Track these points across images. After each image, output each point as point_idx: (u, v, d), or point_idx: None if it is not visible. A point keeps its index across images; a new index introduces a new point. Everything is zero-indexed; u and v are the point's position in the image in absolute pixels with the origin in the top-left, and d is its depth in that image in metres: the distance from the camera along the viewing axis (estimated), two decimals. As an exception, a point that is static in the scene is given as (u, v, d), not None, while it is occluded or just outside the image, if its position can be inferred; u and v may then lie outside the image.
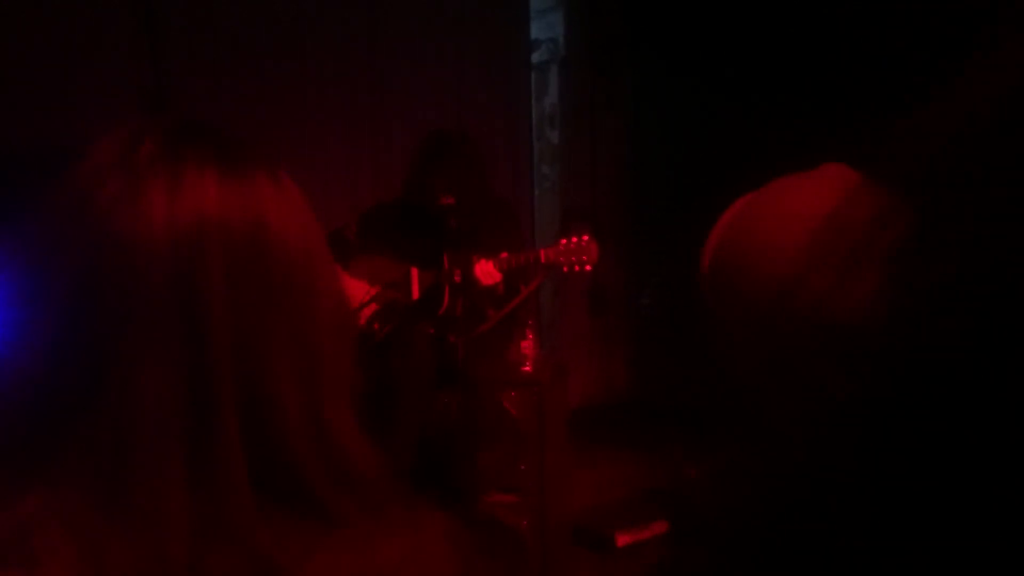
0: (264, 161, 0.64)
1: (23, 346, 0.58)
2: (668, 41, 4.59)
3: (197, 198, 0.59)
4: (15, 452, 0.58)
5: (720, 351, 0.76)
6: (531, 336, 2.81)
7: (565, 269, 2.78)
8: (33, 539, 0.55)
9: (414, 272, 3.02)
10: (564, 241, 2.78)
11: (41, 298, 0.59)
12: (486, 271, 2.85)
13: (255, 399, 0.59)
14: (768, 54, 3.85)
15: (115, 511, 0.56)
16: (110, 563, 0.55)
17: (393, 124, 4.14)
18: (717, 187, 0.82)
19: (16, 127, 3.09)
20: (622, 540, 3.14)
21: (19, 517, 0.56)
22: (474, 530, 2.71)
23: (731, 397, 0.76)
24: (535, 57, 4.91)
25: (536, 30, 4.90)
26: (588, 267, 2.76)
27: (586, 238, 2.75)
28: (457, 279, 2.95)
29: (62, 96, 3.20)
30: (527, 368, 2.81)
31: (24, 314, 0.59)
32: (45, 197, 0.61)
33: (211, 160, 0.61)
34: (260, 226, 0.61)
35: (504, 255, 2.87)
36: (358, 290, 2.94)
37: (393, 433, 2.74)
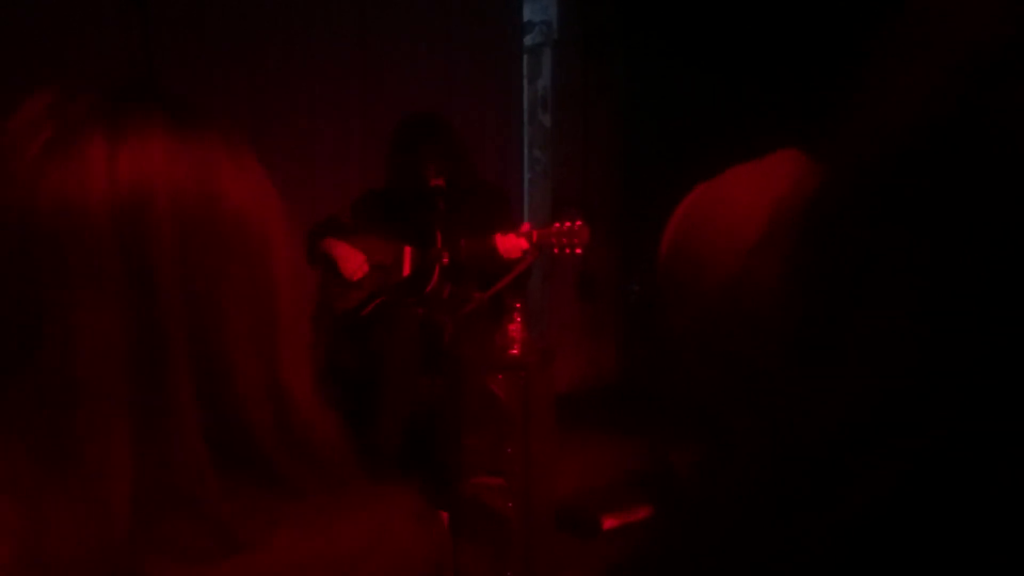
0: (217, 123, 0.61)
1: None
2: (662, 24, 4.57)
3: (141, 150, 0.56)
4: None
5: (671, 342, 0.75)
6: (519, 319, 2.80)
7: (556, 251, 2.82)
8: None
9: (407, 252, 3.03)
10: (557, 225, 2.82)
11: None
12: (509, 246, 2.84)
13: (208, 358, 0.56)
14: (762, 38, 3.83)
15: (57, 469, 0.53)
16: (54, 528, 0.52)
17: (384, 107, 4.11)
18: (709, 172, 0.81)
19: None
20: (607, 523, 3.15)
21: None
22: (457, 512, 2.72)
23: (683, 386, 0.75)
24: (528, 40, 4.88)
25: (529, 12, 4.87)
26: (579, 250, 2.80)
27: (579, 223, 2.79)
28: (446, 260, 2.96)
29: (37, 83, 3.16)
30: (514, 351, 2.81)
31: None
32: None
33: (156, 115, 0.58)
34: (211, 185, 0.57)
35: (526, 227, 2.87)
36: (359, 265, 2.97)
37: (378, 413, 2.75)
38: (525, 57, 4.88)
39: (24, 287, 0.54)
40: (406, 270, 3.03)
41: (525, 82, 4.90)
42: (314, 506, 0.59)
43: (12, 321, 0.55)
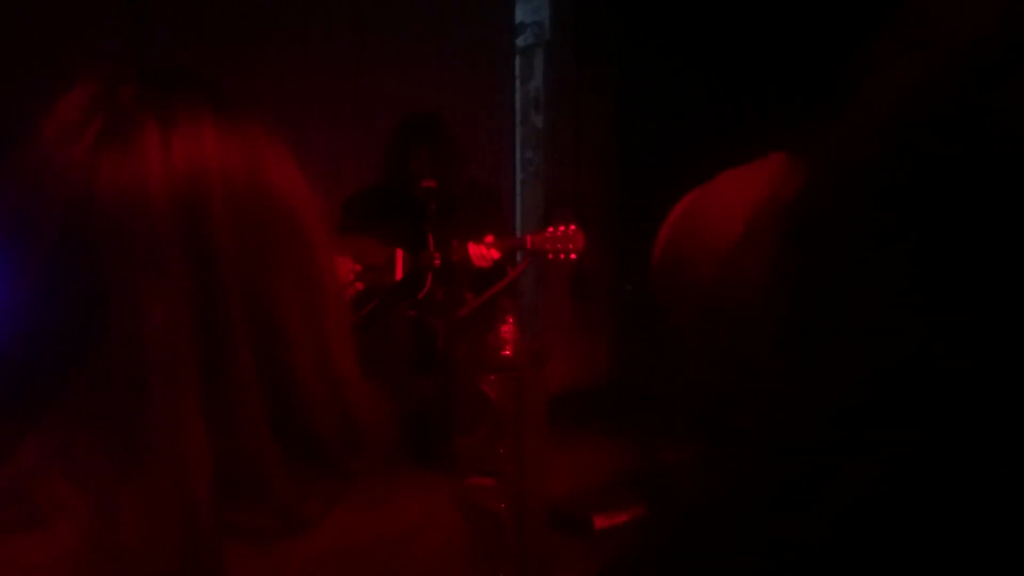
0: (254, 111, 0.62)
1: (11, 288, 0.54)
2: (654, 25, 4.58)
3: (193, 137, 0.56)
4: (10, 396, 0.53)
5: (669, 342, 0.76)
6: (511, 320, 2.80)
7: (551, 256, 2.80)
8: (36, 492, 0.50)
9: (399, 254, 3.02)
10: (551, 229, 2.81)
11: (27, 239, 0.55)
12: (479, 254, 2.84)
13: (267, 342, 0.56)
14: (755, 38, 3.84)
15: (127, 453, 0.52)
16: (126, 515, 0.50)
17: (375, 108, 4.11)
18: (702, 173, 0.82)
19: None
20: (600, 523, 3.16)
21: (17, 467, 0.51)
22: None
23: (685, 386, 0.76)
24: (520, 41, 4.89)
25: (521, 14, 4.87)
26: (573, 255, 2.79)
27: (573, 227, 2.78)
28: (438, 262, 2.95)
29: (36, 76, 3.15)
30: (507, 352, 2.81)
31: (10, 256, 0.55)
32: (12, 151, 0.56)
33: (202, 103, 0.58)
34: (259, 171, 0.58)
35: (490, 238, 2.87)
36: (346, 271, 2.95)
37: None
38: (517, 58, 4.89)
39: (88, 277, 0.54)
40: (398, 273, 3.02)
41: (517, 83, 4.90)
42: (364, 488, 0.59)
43: (79, 311, 0.54)
